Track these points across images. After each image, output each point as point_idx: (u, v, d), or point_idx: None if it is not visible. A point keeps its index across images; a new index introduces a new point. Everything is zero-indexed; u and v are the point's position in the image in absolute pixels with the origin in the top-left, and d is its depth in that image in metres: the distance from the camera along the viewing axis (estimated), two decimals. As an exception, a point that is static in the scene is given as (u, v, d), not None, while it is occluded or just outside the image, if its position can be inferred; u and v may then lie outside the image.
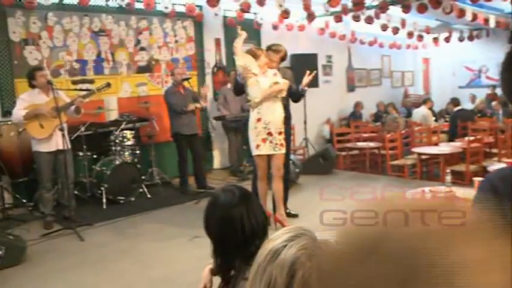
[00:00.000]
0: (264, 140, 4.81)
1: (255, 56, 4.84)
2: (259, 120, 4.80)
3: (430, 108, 10.40)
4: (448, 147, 7.39)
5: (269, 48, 5.19)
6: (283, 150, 4.93)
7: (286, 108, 5.11)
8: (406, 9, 7.71)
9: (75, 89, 6.00)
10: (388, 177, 7.39)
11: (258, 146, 4.83)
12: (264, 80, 4.81)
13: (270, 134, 4.81)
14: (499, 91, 12.80)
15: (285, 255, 1.08)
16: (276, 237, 1.14)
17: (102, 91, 5.63)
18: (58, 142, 5.15)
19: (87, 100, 5.48)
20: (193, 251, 4.41)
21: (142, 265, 4.17)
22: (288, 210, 5.33)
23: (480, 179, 4.15)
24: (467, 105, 11.13)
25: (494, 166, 5.80)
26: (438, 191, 4.03)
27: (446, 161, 7.02)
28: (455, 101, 9.66)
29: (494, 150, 7.71)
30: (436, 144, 7.97)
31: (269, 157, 4.92)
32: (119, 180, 6.23)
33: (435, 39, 12.64)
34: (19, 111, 5.09)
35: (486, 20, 9.74)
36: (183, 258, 4.31)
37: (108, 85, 5.64)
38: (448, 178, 4.49)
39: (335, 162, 8.23)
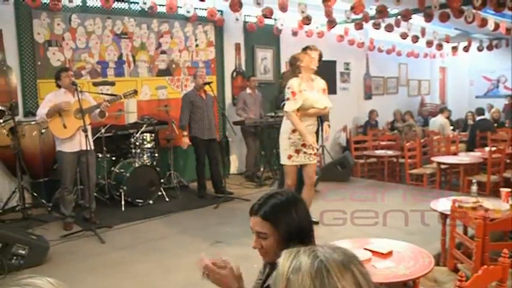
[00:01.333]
0: (297, 151, 4.81)
1: (298, 60, 4.82)
2: (294, 131, 4.76)
3: (448, 118, 10.33)
4: (467, 157, 7.31)
5: (307, 47, 5.12)
6: (315, 160, 4.96)
7: (318, 119, 5.14)
8: (429, 17, 7.65)
9: (102, 93, 6.04)
10: (406, 186, 7.32)
11: (290, 156, 4.81)
12: (311, 94, 4.79)
13: (304, 145, 4.80)
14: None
15: (327, 262, 1.01)
16: (289, 265, 1.04)
17: (128, 98, 5.69)
18: (82, 142, 5.16)
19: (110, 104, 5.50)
20: (216, 255, 4.38)
21: (165, 269, 4.15)
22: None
23: (507, 189, 4.13)
24: (485, 114, 11.04)
25: (518, 177, 5.73)
26: (465, 201, 3.96)
27: (465, 171, 6.94)
28: (479, 111, 9.57)
29: (515, 161, 7.63)
30: (455, 154, 7.90)
31: (298, 166, 4.93)
32: (138, 183, 6.24)
33: (454, 48, 12.56)
34: (42, 110, 5.13)
35: (508, 30, 9.64)
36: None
37: (135, 92, 5.70)
38: (474, 188, 4.42)
39: (352, 169, 8.18)
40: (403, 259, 2.86)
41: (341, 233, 4.74)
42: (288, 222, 1.73)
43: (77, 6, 6.51)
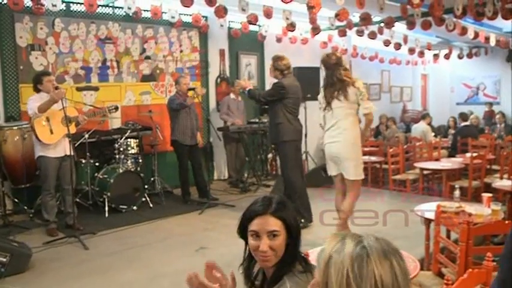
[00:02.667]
0: None
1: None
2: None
3: (429, 124, 10.46)
4: (449, 163, 7.41)
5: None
6: None
7: None
8: (411, 25, 7.77)
9: (85, 104, 6.11)
10: (390, 192, 7.39)
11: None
12: None
13: None
14: (496, 108, 12.99)
15: (369, 249, 1.09)
16: (334, 245, 1.12)
17: (111, 113, 5.90)
18: (66, 148, 5.14)
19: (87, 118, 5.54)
20: (202, 260, 4.34)
21: (151, 275, 4.11)
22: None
23: (489, 194, 4.20)
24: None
25: (498, 183, 5.83)
26: (449, 206, 4.02)
27: (447, 176, 7.04)
28: (463, 116, 9.70)
29: (495, 167, 7.76)
30: (437, 160, 8.00)
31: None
32: (122, 188, 6.20)
33: (435, 56, 12.76)
34: (33, 105, 5.00)
35: (487, 39, 9.84)
36: (192, 268, 4.22)
37: (116, 108, 5.94)
38: (457, 193, 4.51)
39: (336, 175, 8.21)
40: (389, 264, 2.88)
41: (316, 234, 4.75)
42: (294, 217, 1.79)
43: (61, 10, 6.44)
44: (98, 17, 6.90)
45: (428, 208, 4.12)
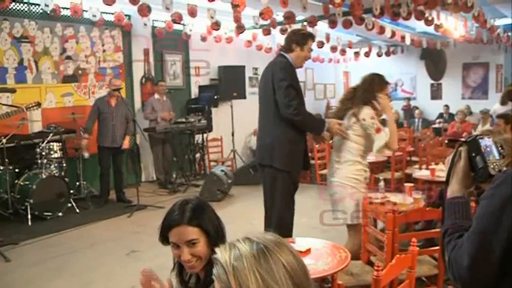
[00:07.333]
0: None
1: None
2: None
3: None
4: (373, 156, 7.72)
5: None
6: None
7: None
8: (333, 24, 8.01)
9: (2, 104, 5.73)
10: (318, 186, 7.60)
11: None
12: None
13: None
14: (412, 103, 13.74)
15: (264, 242, 1.07)
16: (229, 255, 1.06)
17: (31, 110, 5.59)
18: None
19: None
20: (133, 264, 4.27)
21: (81, 283, 3.96)
22: None
23: (411, 184, 4.44)
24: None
25: (418, 173, 6.16)
26: (375, 197, 4.19)
27: (371, 169, 7.33)
28: None
29: (414, 158, 8.19)
30: (362, 154, 8.30)
31: None
32: (46, 195, 5.92)
33: (356, 54, 13.24)
34: None
35: (402, 38, 10.37)
36: (124, 273, 4.15)
37: (38, 105, 5.65)
38: (382, 185, 4.70)
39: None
40: (322, 256, 2.96)
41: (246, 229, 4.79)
42: (211, 221, 1.76)
43: (-31, 6, 6.03)
44: (11, 13, 6.50)
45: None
